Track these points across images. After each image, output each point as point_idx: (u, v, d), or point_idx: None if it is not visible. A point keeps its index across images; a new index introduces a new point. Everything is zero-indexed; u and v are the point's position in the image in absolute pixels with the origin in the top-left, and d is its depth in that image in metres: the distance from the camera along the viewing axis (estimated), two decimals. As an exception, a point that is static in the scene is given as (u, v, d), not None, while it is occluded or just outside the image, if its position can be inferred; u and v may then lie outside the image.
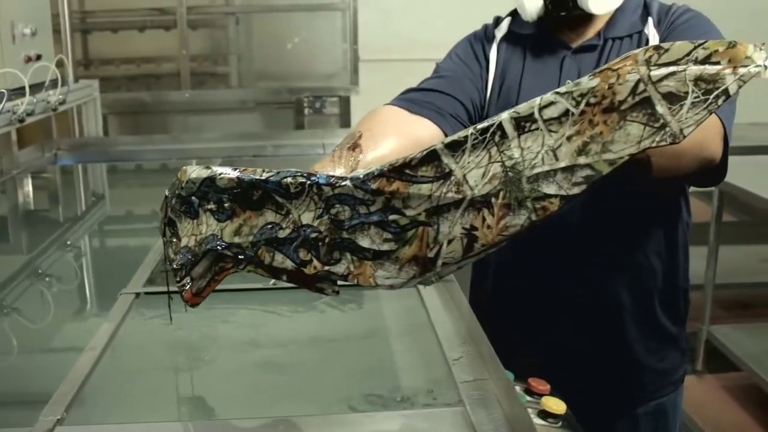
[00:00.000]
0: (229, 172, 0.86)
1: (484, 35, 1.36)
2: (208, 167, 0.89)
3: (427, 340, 1.13)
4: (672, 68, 0.70)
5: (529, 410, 1.04)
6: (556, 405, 1.04)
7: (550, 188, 0.73)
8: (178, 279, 0.93)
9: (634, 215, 1.27)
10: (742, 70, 0.68)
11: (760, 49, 0.69)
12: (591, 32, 1.27)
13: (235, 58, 4.17)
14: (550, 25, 1.29)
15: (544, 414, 1.04)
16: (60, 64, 2.64)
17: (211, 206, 0.89)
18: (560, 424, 1.03)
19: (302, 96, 3.95)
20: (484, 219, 0.75)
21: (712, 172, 1.08)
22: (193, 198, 0.89)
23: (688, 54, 0.70)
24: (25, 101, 2.20)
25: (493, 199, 0.75)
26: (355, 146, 1.02)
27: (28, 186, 2.60)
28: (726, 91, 0.68)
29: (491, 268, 1.38)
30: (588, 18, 1.25)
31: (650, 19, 1.25)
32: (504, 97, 1.27)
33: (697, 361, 3.25)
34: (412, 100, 1.23)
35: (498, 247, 0.77)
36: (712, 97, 0.69)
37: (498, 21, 1.37)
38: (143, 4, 3.99)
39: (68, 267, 1.86)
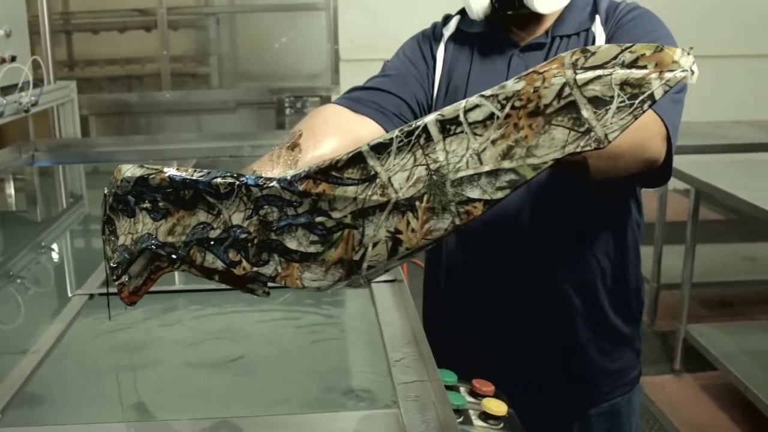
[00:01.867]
0: (161, 172, 0.86)
1: (432, 34, 1.35)
2: (141, 166, 0.89)
3: (373, 340, 1.13)
4: (598, 72, 0.69)
5: (471, 411, 1.05)
6: (497, 406, 1.03)
7: (474, 192, 0.71)
8: (114, 277, 0.93)
9: (583, 216, 1.26)
10: (668, 75, 0.67)
11: (688, 54, 0.68)
12: (540, 30, 1.26)
13: (216, 58, 4.17)
14: (499, 23, 1.28)
15: (485, 416, 1.03)
16: (36, 66, 2.64)
17: (147, 205, 0.89)
18: (501, 425, 1.03)
19: (283, 96, 3.95)
20: (408, 222, 0.75)
21: (656, 173, 1.07)
22: (130, 197, 0.90)
23: (614, 57, 0.69)
24: (-6, 102, 2.19)
25: (417, 203, 0.74)
26: (294, 145, 1.02)
27: (4, 187, 2.59)
28: (652, 96, 0.67)
29: (443, 268, 1.37)
30: (537, 16, 1.24)
31: (598, 17, 1.24)
32: (451, 97, 1.26)
33: (675, 361, 3.25)
34: (356, 99, 1.22)
35: (423, 251, 0.77)
36: (637, 101, 0.67)
37: (447, 19, 1.36)
38: (123, 4, 3.99)
39: (39, 269, 1.85)
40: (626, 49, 0.68)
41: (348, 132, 1.12)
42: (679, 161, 3.44)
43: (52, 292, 1.70)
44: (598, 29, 1.23)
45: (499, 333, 1.33)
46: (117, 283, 0.94)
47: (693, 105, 5.06)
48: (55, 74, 3.17)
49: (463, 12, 1.33)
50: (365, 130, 1.15)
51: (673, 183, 3.31)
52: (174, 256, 0.88)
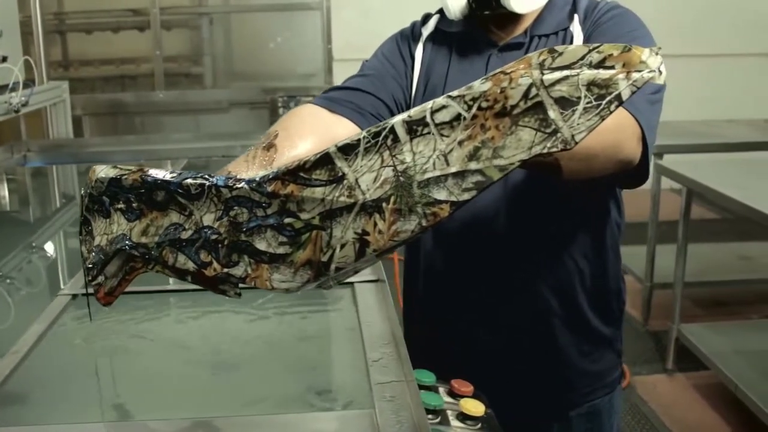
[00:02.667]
0: (133, 172, 0.86)
1: (411, 33, 1.34)
2: (115, 167, 0.89)
3: (353, 340, 1.12)
4: (565, 72, 0.68)
5: (449, 412, 1.04)
6: (475, 407, 1.03)
7: (440, 194, 0.71)
8: (90, 278, 0.94)
9: (559, 217, 1.26)
10: (635, 75, 0.67)
11: (656, 54, 0.68)
12: (519, 30, 1.26)
13: (209, 58, 4.18)
14: (477, 23, 1.28)
15: (462, 416, 1.03)
16: (29, 66, 2.64)
17: (121, 206, 0.89)
18: (479, 426, 1.02)
19: (276, 96, 3.96)
20: (375, 224, 0.74)
21: (632, 173, 1.06)
22: (104, 197, 0.90)
23: (582, 58, 0.68)
24: (-18, 103, 2.20)
25: (384, 204, 0.74)
26: (270, 146, 1.01)
27: (-4, 188, 2.60)
28: (619, 97, 0.67)
29: (421, 269, 1.37)
30: (515, 16, 1.23)
31: (576, 17, 1.23)
32: (429, 96, 1.24)
33: (668, 360, 3.25)
34: (333, 99, 1.21)
35: (391, 252, 0.77)
36: (604, 102, 0.67)
37: (426, 19, 1.35)
38: (116, 5, 4.00)
39: (30, 269, 1.85)
40: (594, 49, 0.68)
41: (324, 132, 1.11)
42: (671, 160, 3.44)
43: (41, 292, 1.70)
44: (576, 29, 1.22)
45: (477, 333, 1.32)
46: (93, 283, 0.94)
47: (689, 104, 5.05)
48: (49, 74, 3.18)
49: (442, 11, 1.32)
50: (342, 131, 1.14)
51: (668, 182, 3.33)
52: (147, 257, 0.88)
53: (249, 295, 0.97)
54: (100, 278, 0.94)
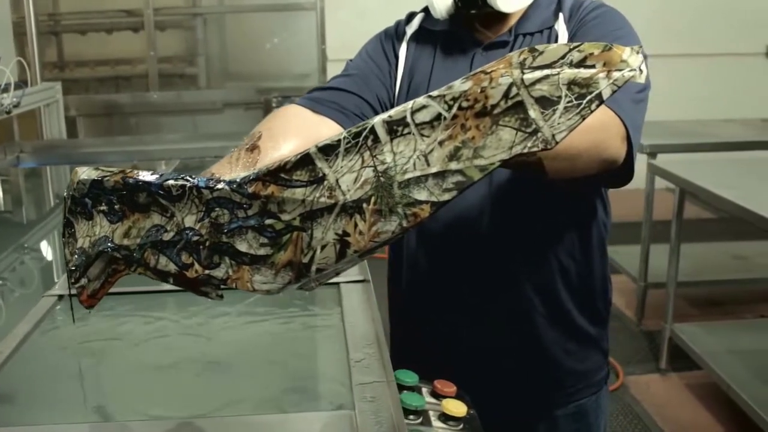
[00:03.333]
0: (115, 174, 0.86)
1: (395, 32, 1.34)
2: (97, 168, 0.89)
3: (336, 340, 1.13)
4: (546, 71, 0.68)
5: (431, 413, 1.04)
6: (456, 408, 1.03)
7: (421, 194, 0.71)
8: (73, 280, 0.93)
9: (544, 217, 1.25)
10: (616, 74, 0.66)
11: (637, 53, 0.68)
12: (504, 28, 1.26)
13: (203, 59, 4.18)
14: (463, 22, 1.27)
15: (444, 417, 1.03)
16: (23, 67, 2.65)
17: (103, 208, 0.89)
18: (461, 426, 1.02)
19: (271, 96, 3.96)
20: (356, 225, 0.74)
21: (617, 173, 1.06)
22: (86, 199, 0.90)
23: (563, 57, 0.68)
24: (-26, 104, 2.20)
25: (364, 205, 0.73)
26: (253, 147, 1.01)
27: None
28: (599, 96, 0.67)
29: (405, 268, 1.36)
30: (501, 15, 1.23)
31: (561, 15, 1.23)
32: (413, 95, 1.24)
33: (661, 360, 3.25)
34: (317, 99, 1.21)
35: (372, 253, 0.77)
36: (585, 101, 0.67)
37: (411, 17, 1.35)
38: (110, 6, 4.00)
39: (22, 270, 1.85)
40: (575, 48, 0.68)
41: (308, 133, 1.10)
42: (666, 160, 3.43)
43: (31, 292, 1.70)
44: (561, 27, 1.22)
45: (461, 333, 1.32)
46: (76, 286, 0.94)
47: (686, 104, 5.04)
48: (43, 75, 3.18)
49: (426, 10, 1.32)
50: (325, 131, 1.14)
51: (662, 181, 3.33)
52: (129, 259, 0.88)
53: (232, 297, 0.97)
54: (83, 280, 0.93)
